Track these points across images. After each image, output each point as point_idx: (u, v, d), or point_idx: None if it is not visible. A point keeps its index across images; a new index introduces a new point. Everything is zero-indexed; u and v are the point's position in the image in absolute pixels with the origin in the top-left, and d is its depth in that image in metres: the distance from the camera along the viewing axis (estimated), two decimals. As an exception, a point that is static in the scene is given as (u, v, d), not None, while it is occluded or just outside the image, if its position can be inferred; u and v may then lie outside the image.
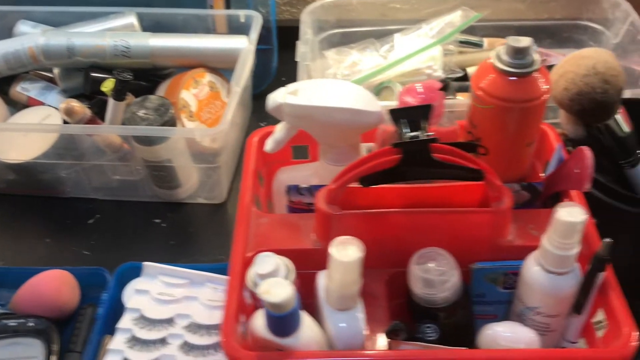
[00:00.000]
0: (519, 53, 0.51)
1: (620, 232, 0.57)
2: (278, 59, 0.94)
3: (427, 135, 0.49)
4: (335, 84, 0.58)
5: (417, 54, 0.83)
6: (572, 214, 0.48)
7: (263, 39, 0.89)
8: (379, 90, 0.84)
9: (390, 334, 0.50)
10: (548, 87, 0.54)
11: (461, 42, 0.88)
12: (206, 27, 0.90)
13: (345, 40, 0.90)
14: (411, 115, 0.49)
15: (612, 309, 0.49)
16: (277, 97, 0.57)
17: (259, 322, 0.49)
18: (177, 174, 0.76)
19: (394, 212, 0.54)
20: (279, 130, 0.60)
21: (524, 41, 0.51)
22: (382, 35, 0.89)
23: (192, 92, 0.79)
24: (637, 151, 0.63)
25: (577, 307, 0.52)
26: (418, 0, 0.90)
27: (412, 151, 0.49)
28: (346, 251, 0.48)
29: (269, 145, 0.61)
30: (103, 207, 0.81)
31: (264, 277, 0.51)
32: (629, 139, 0.63)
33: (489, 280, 0.58)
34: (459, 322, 0.54)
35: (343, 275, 0.49)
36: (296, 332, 0.48)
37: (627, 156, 0.63)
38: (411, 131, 0.49)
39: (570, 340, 0.54)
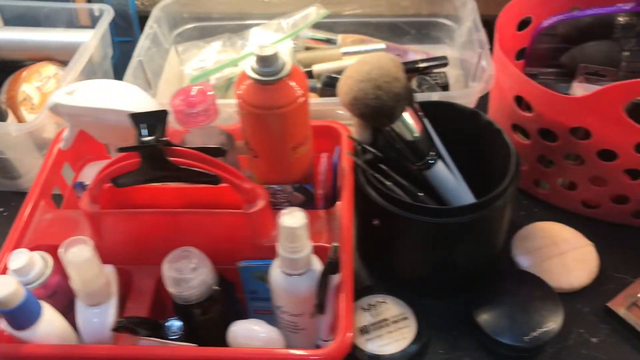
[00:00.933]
0: (265, 61, 0.53)
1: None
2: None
3: (161, 139, 0.50)
4: (113, 85, 0.60)
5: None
6: (292, 219, 0.49)
7: (124, 31, 0.91)
8: (229, 85, 0.85)
9: (118, 330, 0.52)
10: (302, 92, 0.55)
11: (315, 38, 0.89)
12: (70, 21, 0.91)
13: (204, 35, 0.91)
14: (149, 120, 0.51)
15: (338, 310, 0.52)
16: (54, 97, 0.58)
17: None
18: (13, 165, 0.78)
19: (150, 212, 0.56)
20: (67, 129, 0.62)
21: (269, 50, 0.53)
22: (241, 30, 0.90)
23: (34, 85, 0.81)
24: (431, 153, 0.65)
25: (319, 306, 0.54)
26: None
27: (148, 154, 0.51)
28: (76, 251, 0.50)
29: (62, 142, 0.63)
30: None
31: (15, 272, 0.53)
32: (418, 142, 0.64)
33: (257, 278, 0.60)
34: (216, 318, 0.57)
35: (79, 274, 0.51)
36: (33, 325, 0.51)
37: (418, 159, 0.65)
38: (148, 135, 0.51)
39: (322, 339, 0.56)
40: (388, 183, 0.63)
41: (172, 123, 0.59)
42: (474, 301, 0.64)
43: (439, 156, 0.65)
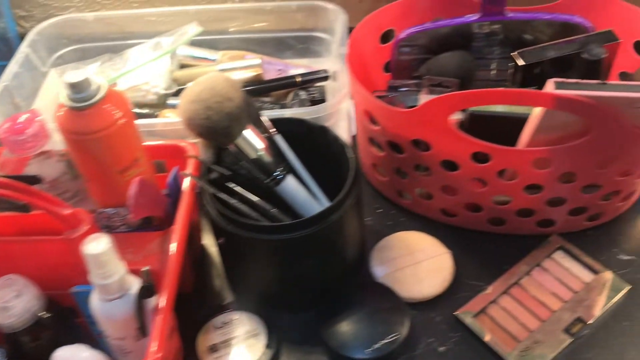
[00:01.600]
0: (75, 88, 0.53)
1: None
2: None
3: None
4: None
5: (137, 69, 0.85)
6: (95, 245, 0.50)
7: (4, 54, 0.91)
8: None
9: None
10: (122, 114, 0.55)
11: (194, 56, 0.90)
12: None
13: (86, 56, 0.91)
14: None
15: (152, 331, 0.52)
16: None
17: None
18: None
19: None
20: None
21: (78, 76, 0.53)
22: (123, 49, 0.91)
23: None
24: (279, 169, 0.65)
25: (141, 329, 0.54)
26: (158, 14, 0.92)
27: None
28: None
29: None
30: None
31: None
32: (263, 159, 0.65)
33: (92, 302, 0.60)
34: (46, 344, 0.56)
35: None
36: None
37: (266, 176, 0.65)
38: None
39: (151, 360, 0.56)
40: (233, 201, 0.64)
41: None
42: (323, 315, 0.65)
43: (289, 171, 0.66)
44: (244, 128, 0.63)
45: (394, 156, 0.70)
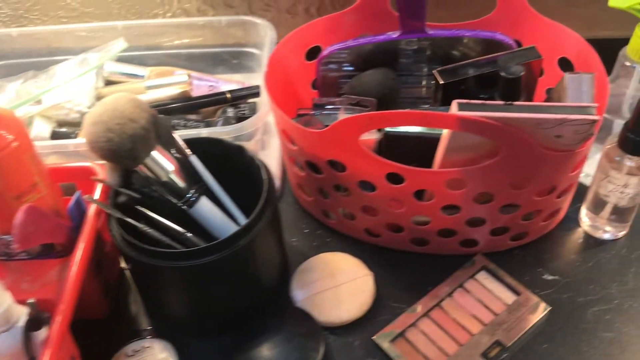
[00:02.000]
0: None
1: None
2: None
3: None
4: None
5: (61, 86, 0.83)
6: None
7: None
8: (30, 122, 0.83)
9: None
10: (13, 137, 0.53)
11: (122, 73, 0.88)
12: None
13: (12, 73, 0.89)
14: None
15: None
16: None
17: None
18: None
19: None
20: None
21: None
22: (50, 65, 0.88)
23: None
24: (191, 191, 0.63)
25: (31, 362, 0.52)
26: (88, 29, 0.90)
27: None
28: None
29: None
30: None
31: None
32: (174, 181, 0.63)
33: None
34: None
35: None
36: None
37: (179, 198, 0.63)
38: None
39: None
40: (141, 226, 0.62)
41: None
42: (238, 341, 0.63)
43: (203, 193, 0.64)
44: (151, 150, 0.61)
45: (313, 176, 0.68)
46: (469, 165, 0.59)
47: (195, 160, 0.66)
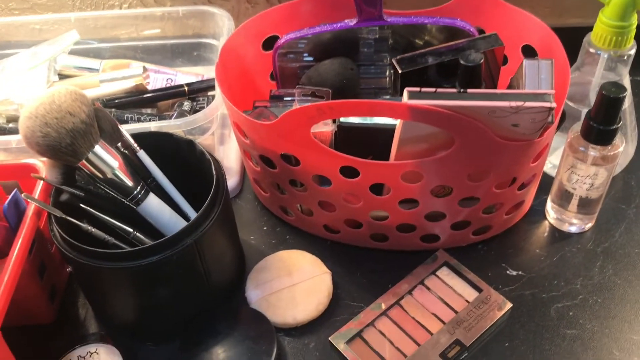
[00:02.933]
0: None
1: None
2: None
3: None
4: None
5: (10, 80, 0.79)
6: None
7: None
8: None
9: None
10: None
11: (76, 66, 0.84)
12: None
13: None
14: None
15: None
16: None
17: None
18: None
19: None
20: None
21: None
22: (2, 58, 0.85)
23: None
24: (139, 188, 0.60)
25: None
26: (43, 21, 0.86)
27: None
28: None
29: None
30: None
31: None
32: (119, 178, 0.60)
33: None
34: None
35: None
36: None
37: (125, 195, 0.61)
38: None
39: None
40: (83, 225, 0.59)
41: None
42: (187, 345, 0.60)
43: (152, 189, 0.62)
44: (93, 145, 0.58)
45: (268, 171, 0.66)
46: (424, 157, 0.57)
47: (143, 156, 0.64)
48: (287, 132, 0.57)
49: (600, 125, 0.61)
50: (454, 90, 0.52)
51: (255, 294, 0.65)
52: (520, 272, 0.67)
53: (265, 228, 0.74)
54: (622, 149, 0.64)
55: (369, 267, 0.69)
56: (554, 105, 0.51)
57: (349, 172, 0.60)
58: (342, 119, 0.61)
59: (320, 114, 0.53)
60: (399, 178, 0.59)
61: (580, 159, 0.65)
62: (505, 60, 0.74)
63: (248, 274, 0.67)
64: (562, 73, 0.63)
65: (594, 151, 0.63)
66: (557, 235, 0.71)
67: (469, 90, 0.52)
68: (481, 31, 0.73)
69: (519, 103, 0.51)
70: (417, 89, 0.52)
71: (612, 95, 0.59)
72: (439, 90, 0.51)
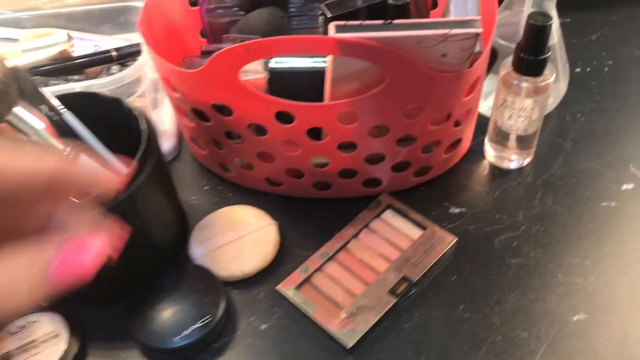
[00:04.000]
0: None
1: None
2: None
3: None
4: None
5: None
6: None
7: None
8: None
9: None
10: None
11: (-4, 37, 0.81)
12: None
13: None
14: None
15: None
16: None
17: None
18: None
19: None
20: None
21: None
22: None
23: None
24: (68, 149, 0.58)
25: None
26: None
27: None
28: None
29: None
30: None
31: None
32: (47, 139, 0.57)
33: None
34: None
35: None
36: None
37: (53, 158, 0.58)
38: None
39: None
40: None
41: None
42: (132, 306, 0.59)
43: (81, 151, 0.59)
44: (11, 106, 0.55)
45: (203, 125, 0.64)
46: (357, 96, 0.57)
47: (69, 117, 0.61)
48: (216, 78, 0.56)
49: (531, 56, 0.62)
50: (379, 22, 0.51)
51: (199, 250, 0.64)
52: (463, 209, 0.68)
53: (206, 187, 0.73)
54: (552, 79, 0.65)
55: (315, 215, 0.68)
56: (480, 30, 0.51)
57: (285, 117, 0.59)
58: (273, 65, 0.60)
59: (249, 54, 0.52)
60: (335, 120, 0.58)
61: (514, 92, 0.65)
62: (435, 4, 0.74)
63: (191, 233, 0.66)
64: (490, 9, 0.63)
65: (526, 83, 0.64)
66: (497, 172, 0.72)
67: (395, 21, 0.51)
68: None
69: (445, 31, 0.51)
70: (343, 22, 0.51)
71: (539, 24, 0.60)
72: (365, 22, 0.51)
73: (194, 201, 0.71)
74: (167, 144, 0.75)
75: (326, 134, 0.61)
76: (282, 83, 0.60)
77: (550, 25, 0.60)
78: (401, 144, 0.62)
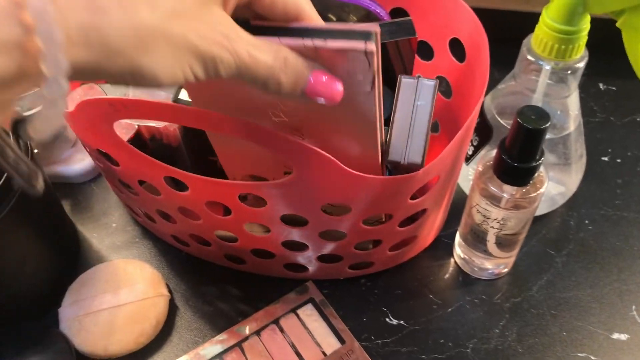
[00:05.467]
0: None
1: None
2: None
3: None
4: None
5: None
6: None
7: None
8: None
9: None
10: None
11: None
12: None
13: None
14: None
15: None
16: None
17: None
18: None
19: None
20: None
21: None
22: None
23: None
24: None
25: None
26: None
27: None
28: None
29: None
30: None
31: None
32: None
33: None
34: None
35: None
36: None
37: None
38: None
39: None
40: None
41: None
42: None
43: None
44: None
45: (99, 165, 0.53)
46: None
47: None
48: (89, 126, 0.44)
49: (516, 162, 0.47)
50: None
51: (68, 312, 0.52)
52: (401, 322, 0.54)
53: (114, 225, 0.61)
54: (543, 189, 0.50)
55: (224, 290, 0.56)
56: (371, 48, 0.33)
57: (178, 183, 0.47)
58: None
59: (114, 110, 0.40)
60: (236, 199, 0.45)
61: (489, 198, 0.50)
62: (431, 55, 0.59)
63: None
64: (479, 83, 0.48)
65: (507, 193, 0.49)
66: (461, 280, 0.58)
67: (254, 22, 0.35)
68: (401, 14, 0.58)
69: (319, 41, 0.33)
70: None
71: (530, 126, 0.45)
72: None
73: (94, 239, 0.60)
74: (84, 163, 0.64)
75: (230, 210, 0.48)
76: (194, 136, 0.48)
77: (546, 129, 0.45)
78: (326, 236, 0.49)
